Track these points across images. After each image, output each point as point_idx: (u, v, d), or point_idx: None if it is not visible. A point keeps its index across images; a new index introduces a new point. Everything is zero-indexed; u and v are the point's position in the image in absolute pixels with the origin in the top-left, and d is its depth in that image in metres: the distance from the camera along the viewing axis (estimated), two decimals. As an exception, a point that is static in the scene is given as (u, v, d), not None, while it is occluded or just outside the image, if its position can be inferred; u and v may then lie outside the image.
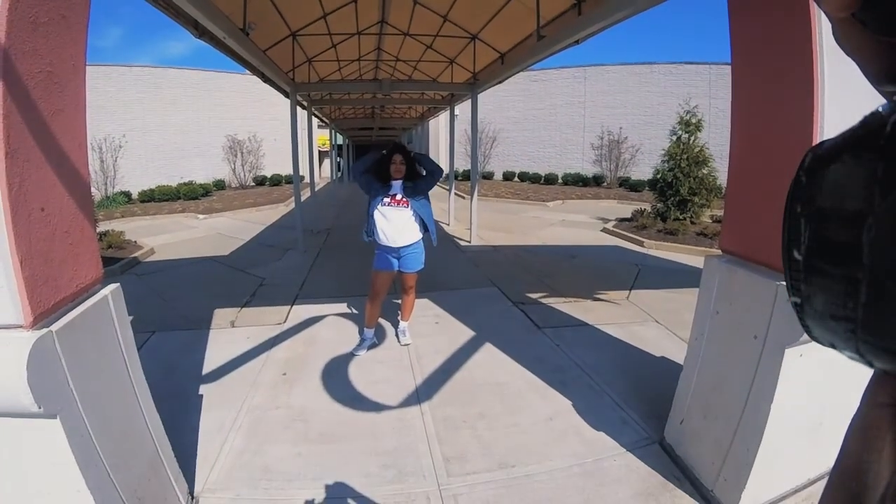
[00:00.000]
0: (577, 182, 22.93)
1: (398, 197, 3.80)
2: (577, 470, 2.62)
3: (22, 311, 1.40)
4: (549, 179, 24.39)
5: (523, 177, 25.77)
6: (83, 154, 1.73)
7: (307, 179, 17.49)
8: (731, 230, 2.34)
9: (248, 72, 8.22)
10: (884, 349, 0.33)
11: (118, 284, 1.94)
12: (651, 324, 4.79)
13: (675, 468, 2.60)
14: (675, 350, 4.05)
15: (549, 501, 2.40)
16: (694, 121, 10.03)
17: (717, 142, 10.44)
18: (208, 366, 3.88)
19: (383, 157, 3.89)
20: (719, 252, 2.45)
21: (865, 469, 0.39)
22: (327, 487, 2.46)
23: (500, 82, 8.76)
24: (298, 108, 9.52)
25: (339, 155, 30.50)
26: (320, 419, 3.09)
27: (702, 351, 2.41)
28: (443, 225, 11.14)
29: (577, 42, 5.70)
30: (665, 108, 17.25)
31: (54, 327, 1.48)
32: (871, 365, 0.35)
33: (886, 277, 0.31)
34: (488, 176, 26.40)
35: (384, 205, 3.79)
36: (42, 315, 1.46)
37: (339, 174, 30.10)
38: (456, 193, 12.75)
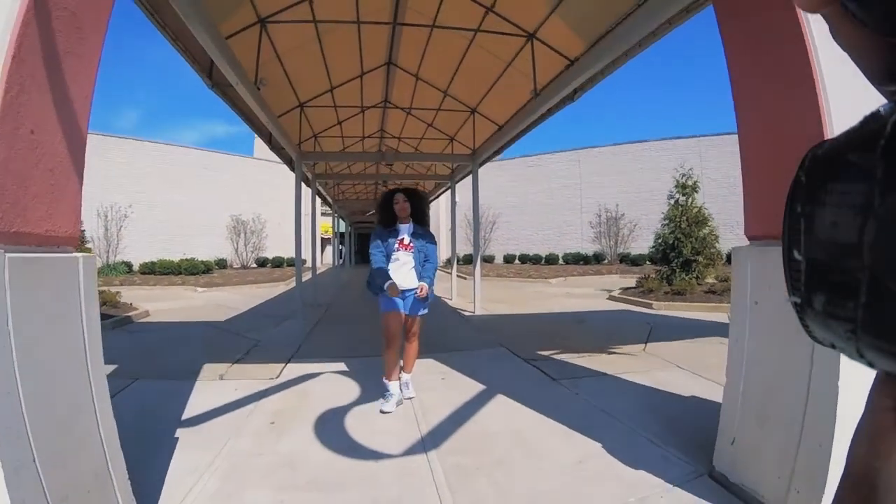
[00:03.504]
0: (578, 261, 23.04)
1: (406, 241, 3.71)
2: (618, 513, 2.19)
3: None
4: (550, 260, 24.51)
5: (524, 258, 25.95)
6: (86, 110, 1.70)
7: (308, 263, 17.61)
8: (753, 216, 2.19)
9: (254, 155, 8.53)
10: (884, 350, 0.34)
11: (93, 255, 1.78)
12: (674, 369, 4.41)
13: (734, 498, 2.18)
14: (704, 390, 3.68)
15: (589, 550, 1.97)
16: (690, 183, 10.24)
17: (712, 210, 10.60)
18: (189, 412, 3.49)
19: (386, 200, 3.82)
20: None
21: (875, 474, 0.43)
22: (315, 538, 2.03)
23: (500, 149, 9.01)
24: (303, 188, 9.69)
25: (342, 242, 30.94)
26: (310, 467, 2.66)
27: (746, 352, 2.13)
28: (446, 300, 10.94)
29: (572, 98, 5.91)
30: (659, 184, 17.75)
31: (7, 251, 1.31)
32: (871, 365, 0.37)
33: (886, 277, 0.32)
34: (489, 259, 26.55)
35: (396, 250, 3.69)
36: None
37: (341, 261, 30.31)
38: (458, 275, 12.69)
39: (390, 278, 3.56)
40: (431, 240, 3.84)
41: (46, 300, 1.49)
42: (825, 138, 1.46)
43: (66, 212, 1.61)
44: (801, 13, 1.83)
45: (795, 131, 1.91)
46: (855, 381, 1.70)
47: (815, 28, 1.79)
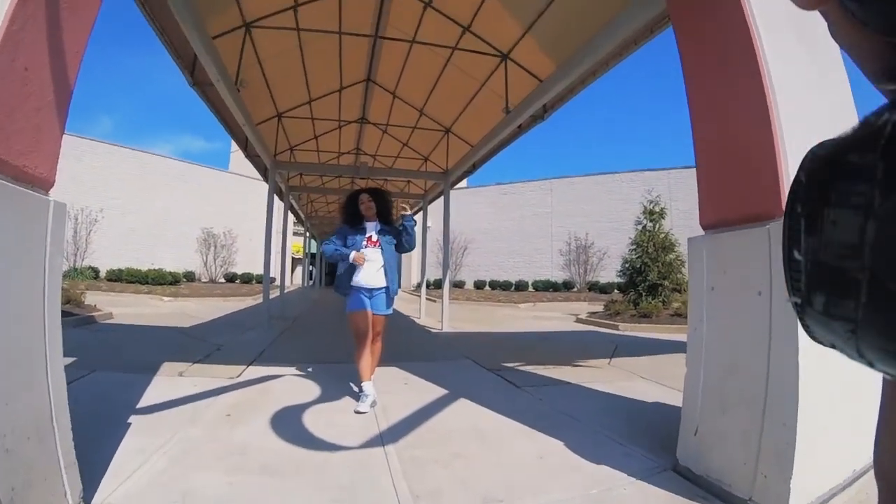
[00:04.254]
0: (548, 288, 23.28)
1: (373, 238, 3.72)
2: (579, 501, 2.17)
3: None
4: (520, 286, 24.70)
5: (494, 285, 26.07)
6: (76, 63, 1.75)
7: (278, 281, 17.34)
8: (705, 205, 2.29)
9: (230, 169, 8.42)
10: (885, 349, 0.34)
11: (65, 203, 1.76)
12: (637, 379, 4.48)
13: (699, 489, 2.19)
14: (668, 397, 3.74)
15: (546, 534, 1.94)
16: (657, 209, 10.57)
17: (680, 239, 10.97)
18: (145, 402, 3.38)
19: (351, 200, 3.83)
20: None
21: None
22: (262, 518, 1.94)
23: (471, 168, 9.16)
24: (276, 202, 9.58)
25: (312, 263, 30.48)
26: (263, 454, 2.58)
27: (705, 337, 2.19)
28: (414, 319, 10.86)
29: (543, 117, 6.10)
30: (629, 214, 18.27)
31: None
32: (872, 366, 0.37)
33: (886, 277, 0.33)
34: (459, 284, 26.58)
35: (364, 247, 3.68)
36: None
37: (312, 282, 29.82)
38: (427, 298, 12.62)
39: (343, 250, 3.63)
40: (397, 231, 3.84)
41: (13, 231, 1.49)
42: (772, 128, 1.54)
43: (45, 153, 1.64)
44: (748, 13, 1.96)
45: (742, 120, 2.03)
46: (815, 357, 1.75)
47: (760, 22, 1.93)
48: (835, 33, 0.43)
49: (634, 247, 10.63)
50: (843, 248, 0.36)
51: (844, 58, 2.10)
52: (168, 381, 4.06)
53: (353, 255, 3.60)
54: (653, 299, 9.88)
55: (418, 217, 19.54)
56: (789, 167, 1.82)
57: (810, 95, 2.02)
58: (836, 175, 0.38)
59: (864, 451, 1.93)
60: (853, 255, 0.35)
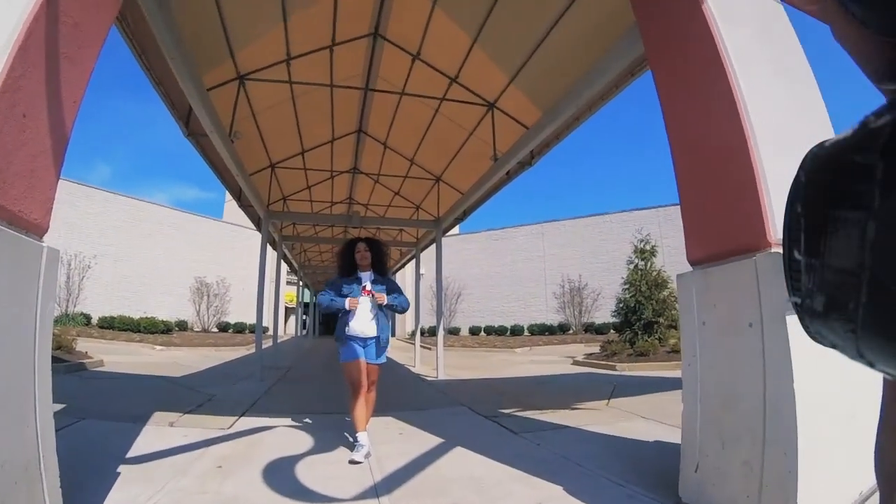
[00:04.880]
0: (543, 331, 23.08)
1: (368, 287, 3.72)
2: (579, 548, 2.09)
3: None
4: (515, 331, 24.48)
5: (489, 330, 25.83)
6: (73, 113, 1.81)
7: (271, 332, 17.15)
8: (692, 241, 2.33)
9: (223, 219, 8.48)
10: (884, 349, 0.34)
11: (58, 249, 1.79)
12: (637, 419, 4.39)
13: (700, 527, 2.12)
14: (668, 435, 3.65)
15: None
16: (648, 248, 10.69)
17: (673, 277, 11.06)
18: (135, 451, 3.29)
19: (347, 248, 3.87)
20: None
21: None
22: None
23: (463, 215, 9.27)
24: (269, 251, 9.60)
25: (305, 312, 30.18)
26: (254, 508, 2.47)
27: (699, 372, 2.17)
28: (409, 367, 10.69)
29: (530, 163, 6.25)
30: (620, 254, 18.38)
31: None
32: (872, 366, 0.36)
33: (886, 277, 0.32)
34: (454, 331, 26.28)
35: (361, 295, 3.68)
36: None
37: (305, 332, 29.42)
38: (422, 346, 12.46)
39: (339, 300, 3.61)
40: (393, 284, 3.86)
41: (6, 276, 1.49)
42: (751, 160, 1.61)
43: (40, 200, 1.67)
44: (721, 46, 2.07)
45: (720, 154, 2.11)
46: (810, 381, 1.74)
47: (734, 55, 2.03)
48: (836, 34, 0.43)
49: (627, 286, 10.70)
50: (843, 248, 0.36)
51: (820, 80, 2.20)
52: (158, 431, 3.94)
53: (347, 300, 3.59)
54: (649, 337, 9.85)
55: (411, 265, 19.48)
56: (771, 198, 1.87)
57: (788, 125, 2.11)
58: (836, 175, 0.38)
59: (869, 474, 1.88)
60: (853, 256, 0.35)
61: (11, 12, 1.48)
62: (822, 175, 0.39)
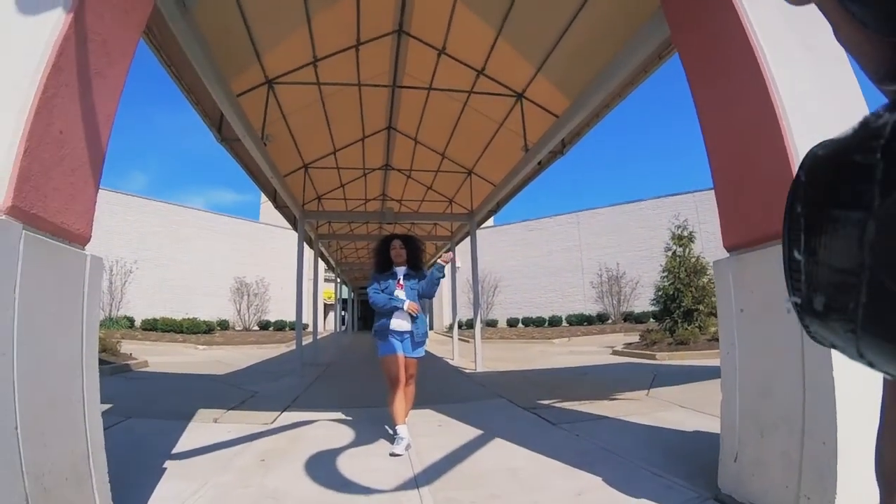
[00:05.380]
0: (582, 322, 22.78)
1: (401, 282, 3.79)
2: (618, 538, 2.09)
3: (3, 191, 1.39)
4: (553, 322, 24.26)
5: (527, 322, 25.68)
6: (107, 127, 1.90)
7: (311, 327, 17.59)
8: (728, 227, 2.27)
9: (260, 220, 8.77)
10: (884, 350, 0.34)
11: (101, 257, 1.89)
12: (676, 409, 4.30)
13: (742, 517, 2.08)
14: (708, 425, 3.56)
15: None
16: (685, 234, 10.37)
17: (712, 263, 10.67)
18: (180, 448, 3.44)
19: (384, 245, 3.93)
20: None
21: None
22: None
23: (496, 207, 9.23)
24: (306, 249, 9.86)
25: (344, 308, 30.77)
26: (295, 499, 2.57)
27: (737, 361, 2.12)
28: (447, 360, 10.79)
29: (562, 152, 6.16)
30: (657, 241, 17.90)
31: (25, 228, 1.45)
32: (872, 366, 0.37)
33: (886, 277, 0.32)
34: (492, 323, 26.27)
35: (397, 290, 3.76)
36: (19, 211, 1.45)
37: (344, 328, 30.01)
38: (460, 339, 12.52)
39: (396, 300, 3.67)
40: (423, 276, 3.91)
41: (53, 285, 1.59)
42: (784, 142, 1.56)
43: (80, 211, 1.76)
44: (752, 36, 2.00)
45: (753, 137, 2.04)
46: (849, 370, 1.68)
47: (761, 34, 1.96)
48: (836, 34, 0.43)
49: (666, 273, 10.41)
50: (843, 248, 0.36)
51: (851, 59, 2.09)
52: (202, 428, 4.12)
53: (407, 304, 3.67)
54: (689, 325, 9.58)
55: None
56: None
57: (820, 102, 2.02)
58: (836, 175, 0.38)
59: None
60: (853, 256, 0.35)
61: (41, 33, 1.57)
62: (822, 175, 0.39)
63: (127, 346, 10.64)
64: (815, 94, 2.01)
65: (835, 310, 0.37)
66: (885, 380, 0.47)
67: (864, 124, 0.37)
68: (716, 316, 9.97)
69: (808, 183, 0.41)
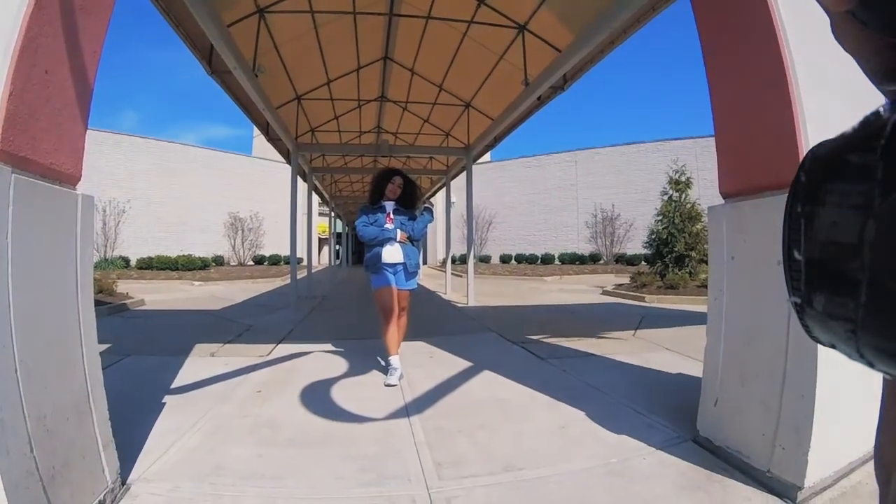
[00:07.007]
0: (574, 261, 23.11)
1: (391, 216, 3.76)
2: (600, 470, 2.21)
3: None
4: (546, 260, 24.58)
5: (520, 258, 26.00)
6: (94, 64, 1.81)
7: (305, 262, 17.75)
8: (726, 173, 2.24)
9: (253, 154, 8.55)
10: (884, 350, 0.34)
11: (92, 196, 1.85)
12: (663, 351, 4.47)
13: (718, 459, 2.21)
14: (692, 368, 3.71)
15: (569, 501, 2.00)
16: (683, 179, 10.32)
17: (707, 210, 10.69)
18: (178, 382, 3.55)
19: (384, 176, 3.86)
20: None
21: None
22: (287, 486, 2.06)
23: (493, 142, 9.05)
24: (300, 183, 9.70)
25: (338, 242, 30.91)
26: (291, 427, 2.71)
27: (724, 308, 2.16)
28: (440, 294, 10.98)
29: (563, 87, 5.96)
30: (655, 185, 17.78)
31: (15, 172, 1.42)
32: (872, 366, 0.36)
33: (886, 277, 0.32)
34: (485, 259, 26.59)
35: (387, 223, 3.75)
36: (8, 155, 1.42)
37: (338, 261, 30.28)
38: (453, 273, 12.64)
39: (389, 231, 3.70)
40: (412, 216, 3.90)
41: (45, 226, 1.57)
42: (790, 95, 1.49)
43: (69, 151, 1.72)
44: None
45: (759, 86, 1.97)
46: None
47: None
48: (836, 33, 0.43)
49: (660, 217, 10.44)
50: (843, 248, 0.36)
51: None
52: (200, 362, 4.23)
53: (398, 233, 3.69)
54: (679, 270, 9.72)
55: (441, 193, 19.42)
56: (808, 133, 1.76)
57: (827, 58, 1.94)
58: (837, 175, 0.38)
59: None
60: (853, 256, 0.35)
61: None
62: (822, 175, 0.39)
63: (123, 286, 10.66)
64: (828, 51, 1.92)
65: (835, 310, 0.37)
66: (884, 379, 0.47)
67: (864, 124, 0.37)
68: (706, 263, 10.10)
69: (809, 183, 0.41)
